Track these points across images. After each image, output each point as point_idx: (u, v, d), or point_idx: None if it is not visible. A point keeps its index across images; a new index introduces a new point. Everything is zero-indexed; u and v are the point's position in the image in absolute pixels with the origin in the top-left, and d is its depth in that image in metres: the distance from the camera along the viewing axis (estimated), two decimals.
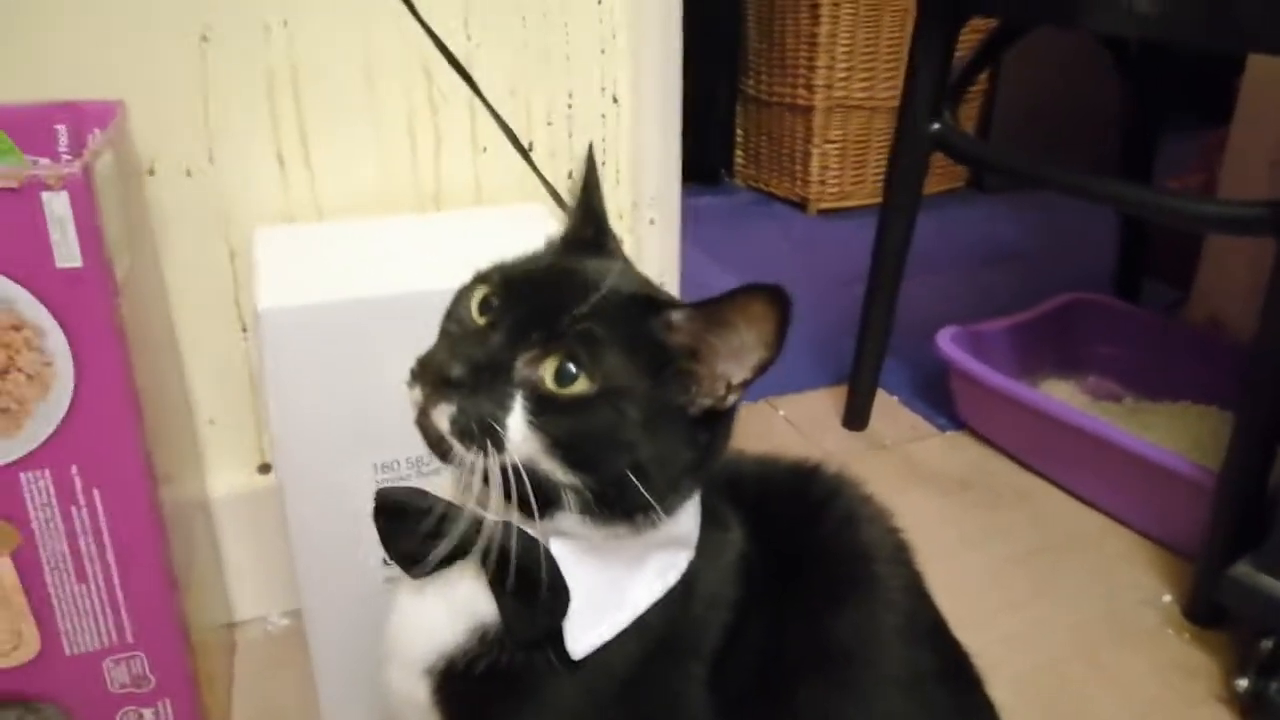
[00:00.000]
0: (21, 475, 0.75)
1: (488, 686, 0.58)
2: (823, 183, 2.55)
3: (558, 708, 0.59)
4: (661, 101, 1.12)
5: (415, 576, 0.60)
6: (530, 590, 0.56)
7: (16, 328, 0.71)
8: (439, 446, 0.54)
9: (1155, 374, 1.57)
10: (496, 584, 0.58)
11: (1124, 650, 1.12)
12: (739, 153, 2.79)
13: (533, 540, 0.56)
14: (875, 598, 0.65)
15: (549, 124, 1.08)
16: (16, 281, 0.70)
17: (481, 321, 0.56)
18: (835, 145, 2.51)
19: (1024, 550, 1.30)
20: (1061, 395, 1.56)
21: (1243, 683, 0.99)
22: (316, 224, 1.02)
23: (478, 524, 0.56)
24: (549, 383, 0.53)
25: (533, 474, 0.53)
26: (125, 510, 0.80)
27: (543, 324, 0.54)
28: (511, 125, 1.03)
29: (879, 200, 1.49)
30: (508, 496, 0.53)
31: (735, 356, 0.55)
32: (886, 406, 1.65)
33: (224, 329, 1.04)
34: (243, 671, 1.10)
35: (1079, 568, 1.26)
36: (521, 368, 0.53)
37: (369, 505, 0.62)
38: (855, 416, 1.59)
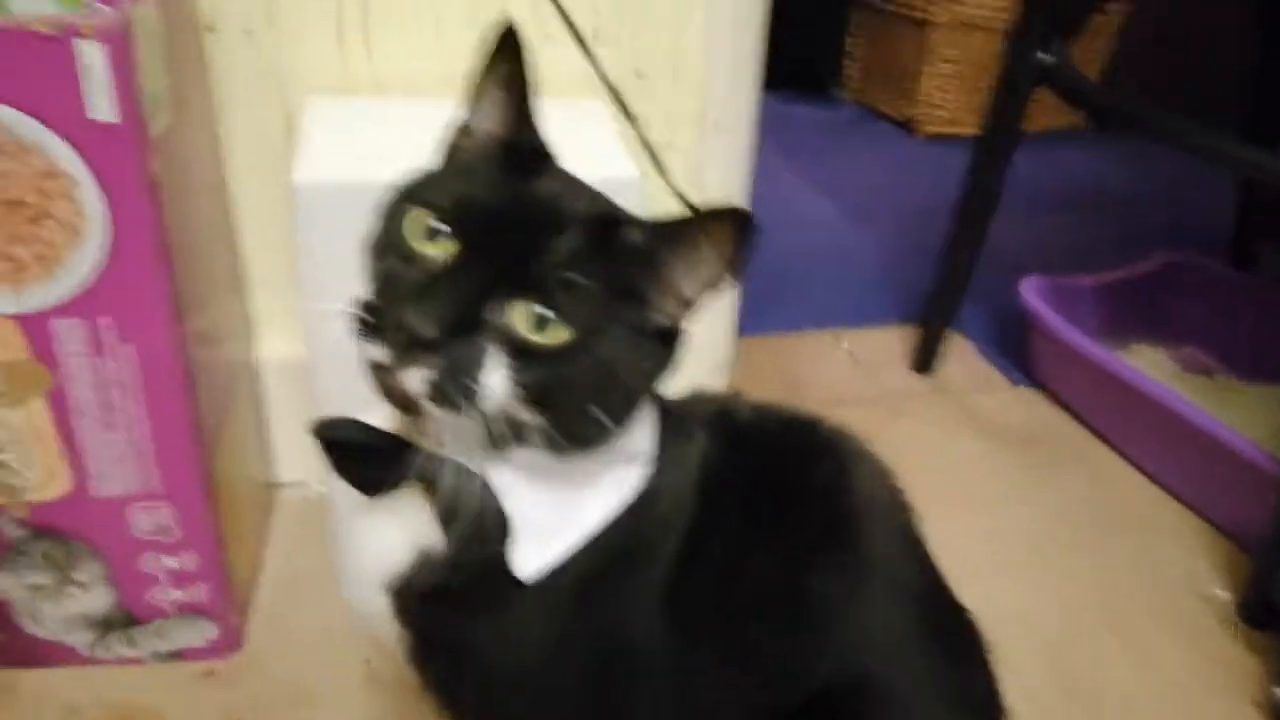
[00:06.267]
0: (54, 322, 0.77)
1: (440, 604, 0.58)
2: (933, 105, 2.42)
3: (508, 621, 0.58)
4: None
5: (368, 496, 0.59)
6: (469, 521, 0.55)
7: (52, 175, 0.72)
8: (403, 402, 0.52)
9: (1256, 352, 1.46)
10: (438, 514, 0.57)
11: (1162, 635, 1.07)
12: (849, 64, 2.66)
13: (472, 474, 0.55)
14: (858, 554, 0.63)
15: (618, 16, 1.02)
16: (50, 128, 0.70)
17: (432, 255, 0.51)
18: (951, 66, 2.37)
19: (1076, 515, 1.25)
20: (1149, 363, 1.47)
21: (1279, 691, 0.94)
22: (370, 99, 1.00)
23: (421, 453, 0.55)
24: (523, 331, 0.50)
25: (502, 420, 0.51)
26: (153, 365, 0.81)
27: (513, 269, 0.50)
28: (580, 12, 0.98)
29: None
30: (470, 442, 0.51)
31: (692, 274, 0.53)
32: (958, 352, 1.58)
33: (277, 195, 1.03)
34: (278, 531, 1.13)
35: (1131, 542, 1.20)
36: (494, 318, 0.50)
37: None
38: (923, 358, 1.53)
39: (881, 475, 0.67)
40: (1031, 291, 1.46)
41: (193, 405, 0.85)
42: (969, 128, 2.43)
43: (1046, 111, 1.93)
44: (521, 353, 0.50)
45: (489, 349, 0.49)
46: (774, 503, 0.63)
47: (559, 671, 0.60)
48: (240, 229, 1.05)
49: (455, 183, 0.55)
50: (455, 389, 0.49)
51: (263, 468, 1.16)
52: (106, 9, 0.82)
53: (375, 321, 0.50)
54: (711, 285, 0.53)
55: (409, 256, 0.52)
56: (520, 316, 0.50)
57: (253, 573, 1.05)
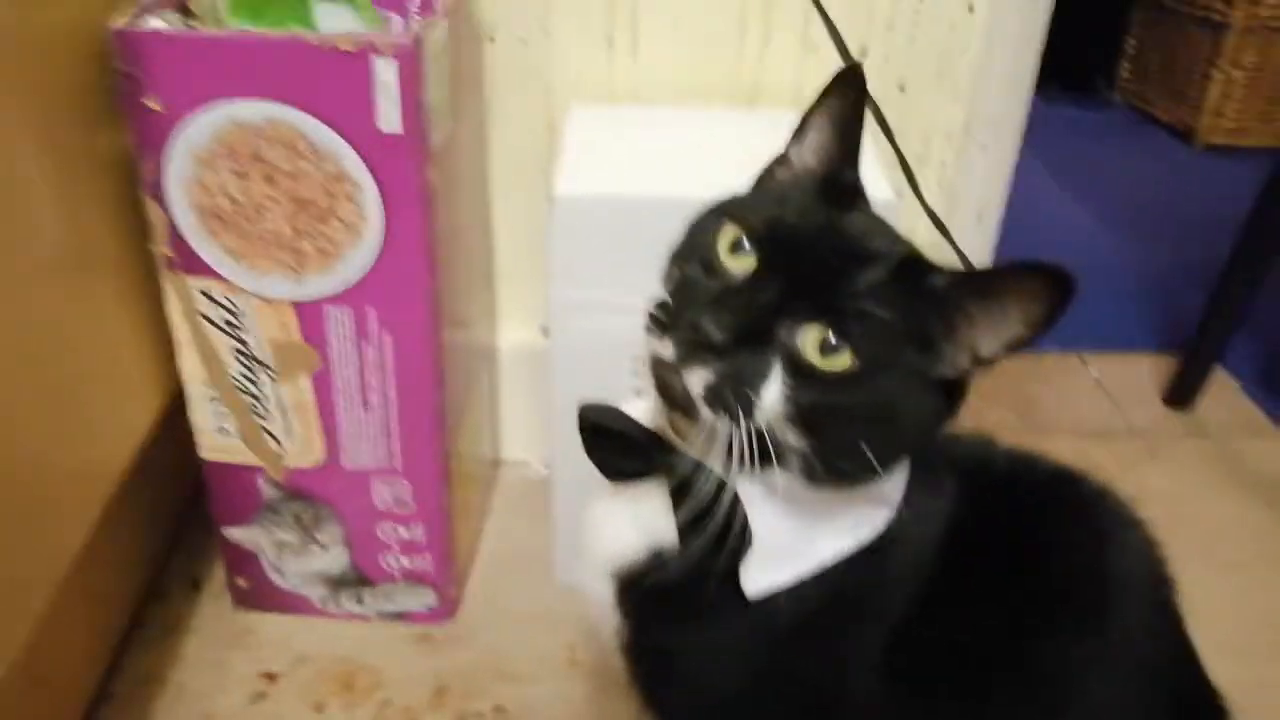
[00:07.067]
0: (328, 309, 0.84)
1: (661, 603, 0.59)
2: (1219, 113, 2.20)
3: (722, 638, 0.58)
4: (1024, 15, 0.98)
5: (612, 483, 0.61)
6: (709, 529, 0.55)
7: (339, 179, 0.77)
8: (679, 401, 0.52)
9: None
10: (679, 515, 0.57)
11: None
12: (1125, 64, 2.46)
13: (723, 485, 0.55)
14: (1107, 629, 0.59)
15: (890, 29, 0.98)
16: (344, 137, 0.75)
17: (734, 269, 0.52)
18: (1245, 72, 2.14)
19: None
20: None
21: None
22: (633, 107, 1.02)
23: (674, 453, 0.56)
24: (810, 354, 0.50)
25: (766, 437, 0.51)
26: (410, 355, 0.87)
27: (813, 294, 0.50)
28: (850, 26, 0.95)
29: None
30: (730, 452, 0.51)
31: (992, 331, 0.50)
32: (1222, 389, 1.44)
33: (532, 196, 1.07)
34: (499, 508, 1.19)
35: None
36: (783, 337, 0.50)
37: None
38: (1181, 392, 1.40)
39: (1146, 546, 0.62)
40: None
41: (441, 392, 0.90)
42: (1259, 139, 2.21)
43: None
44: (802, 374, 0.50)
45: (773, 363, 0.50)
46: (1022, 566, 0.59)
47: (764, 704, 0.60)
48: (495, 222, 1.10)
49: (768, 206, 0.55)
50: (733, 395, 0.49)
51: (491, 446, 1.22)
52: (402, 26, 0.88)
53: (666, 320, 0.51)
54: (1011, 346, 0.50)
55: (711, 267, 0.53)
56: (810, 339, 0.50)
57: (472, 547, 1.11)
